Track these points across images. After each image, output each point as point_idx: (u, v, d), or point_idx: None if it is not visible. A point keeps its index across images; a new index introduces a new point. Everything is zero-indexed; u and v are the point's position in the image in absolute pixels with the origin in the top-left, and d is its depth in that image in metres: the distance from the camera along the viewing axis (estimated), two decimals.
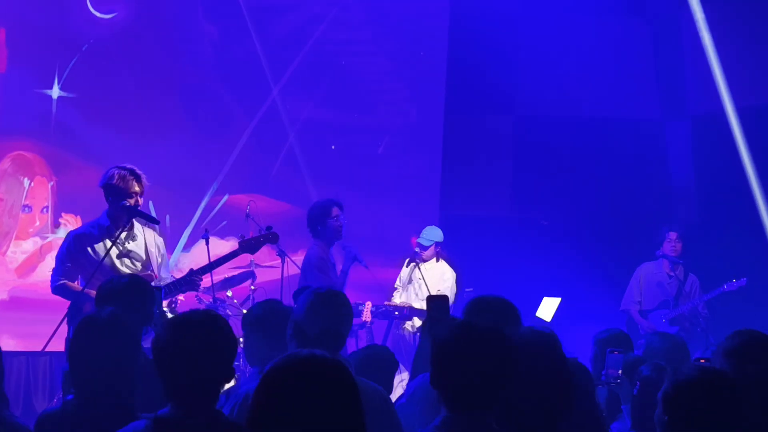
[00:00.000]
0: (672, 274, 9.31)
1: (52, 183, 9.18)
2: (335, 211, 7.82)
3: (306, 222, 7.96)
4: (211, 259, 6.67)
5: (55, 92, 9.20)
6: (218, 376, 3.08)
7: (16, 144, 9.11)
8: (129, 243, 6.34)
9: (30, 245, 9.07)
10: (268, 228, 6.87)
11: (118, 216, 6.30)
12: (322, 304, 3.90)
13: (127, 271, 6.20)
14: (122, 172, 6.28)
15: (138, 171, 6.34)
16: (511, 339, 3.10)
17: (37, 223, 9.13)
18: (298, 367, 2.34)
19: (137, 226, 6.43)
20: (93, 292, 5.76)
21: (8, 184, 9.05)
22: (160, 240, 6.61)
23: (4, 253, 8.99)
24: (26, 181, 9.12)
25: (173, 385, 3.03)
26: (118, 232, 6.23)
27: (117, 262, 6.25)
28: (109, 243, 6.24)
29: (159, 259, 6.50)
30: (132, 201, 6.26)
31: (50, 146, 9.23)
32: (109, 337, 3.71)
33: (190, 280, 6.38)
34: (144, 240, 6.42)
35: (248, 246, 6.74)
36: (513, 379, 3.00)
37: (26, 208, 9.11)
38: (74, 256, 6.28)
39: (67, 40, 9.31)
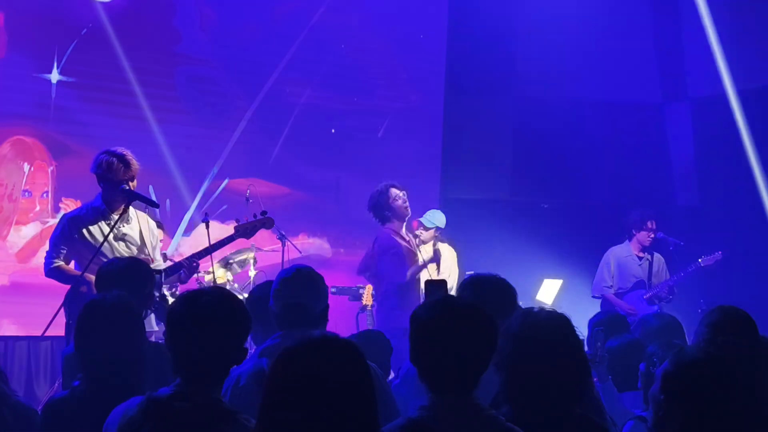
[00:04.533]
0: (642, 255, 9.43)
1: (51, 168, 9.17)
2: (393, 192, 8.16)
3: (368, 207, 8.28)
4: (209, 244, 6.67)
5: (54, 77, 9.17)
6: (229, 353, 3.07)
7: (16, 129, 9.09)
8: (124, 226, 6.28)
9: (30, 230, 9.07)
10: (263, 212, 6.81)
11: (113, 199, 6.26)
12: (283, 283, 3.94)
13: (124, 254, 6.14)
14: (110, 159, 6.19)
15: (127, 156, 6.23)
16: (490, 315, 3.04)
17: (38, 208, 9.12)
18: (309, 349, 2.37)
19: (131, 210, 6.35)
20: (91, 276, 5.79)
21: (8, 169, 9.04)
22: (153, 224, 6.56)
23: (5, 238, 8.99)
24: (26, 166, 9.10)
25: (182, 360, 3.02)
26: (117, 218, 6.21)
27: (113, 246, 6.19)
28: (104, 225, 6.21)
29: (153, 242, 6.46)
30: (128, 177, 6.23)
31: (50, 131, 9.21)
32: (116, 321, 3.68)
33: (188, 265, 6.36)
34: (138, 223, 6.37)
35: (244, 230, 6.68)
36: (492, 357, 2.97)
37: (26, 193, 9.10)
38: (69, 239, 6.23)
39: (66, 24, 9.28)
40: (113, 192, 6.23)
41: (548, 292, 9.56)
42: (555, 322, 3.20)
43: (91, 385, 3.58)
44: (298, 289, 3.93)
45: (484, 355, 2.95)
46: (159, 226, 7.23)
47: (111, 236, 6.17)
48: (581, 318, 4.93)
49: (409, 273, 7.96)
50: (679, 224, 10.45)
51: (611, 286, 9.42)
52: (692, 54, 11.31)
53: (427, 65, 11.39)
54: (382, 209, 8.15)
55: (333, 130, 10.82)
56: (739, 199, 10.64)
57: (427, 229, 8.98)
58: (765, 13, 10.53)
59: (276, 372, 2.36)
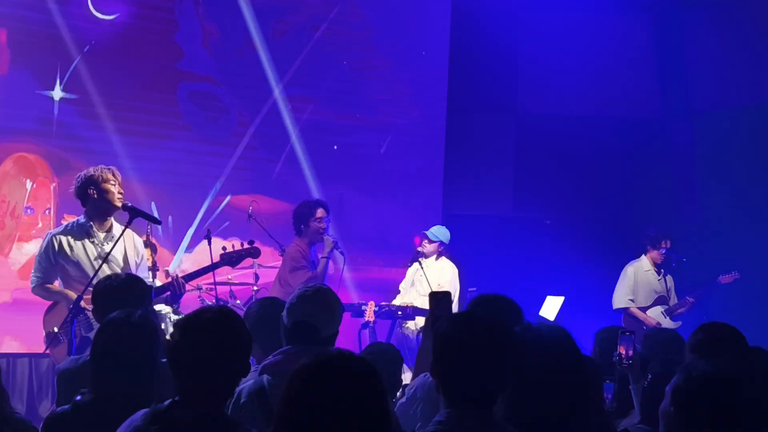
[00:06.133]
0: (659, 271, 9.52)
1: (54, 184, 9.18)
2: (320, 212, 8.05)
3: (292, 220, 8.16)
4: (200, 266, 6.78)
5: (57, 94, 9.19)
6: (231, 374, 3.07)
7: (18, 145, 9.10)
8: (107, 244, 6.26)
9: (32, 247, 9.05)
10: (251, 242, 6.95)
11: (103, 210, 6.28)
12: (300, 299, 3.94)
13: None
14: (102, 169, 6.29)
15: (113, 168, 6.36)
16: (517, 333, 3.05)
17: (40, 225, 9.12)
18: (326, 366, 2.37)
19: (116, 228, 6.36)
20: (73, 294, 5.81)
21: (10, 186, 9.05)
22: (139, 241, 6.55)
23: (7, 255, 8.99)
24: (28, 183, 9.11)
25: (184, 383, 3.02)
26: (102, 235, 6.24)
27: (94, 266, 6.15)
28: (88, 243, 6.23)
29: (137, 260, 6.44)
30: (112, 187, 6.23)
31: (52, 148, 9.22)
32: (141, 340, 3.67)
33: (173, 288, 6.35)
34: (123, 243, 6.33)
35: (229, 259, 6.83)
36: (517, 374, 2.95)
37: (28, 210, 9.10)
38: (51, 256, 6.25)
39: (69, 41, 9.30)
40: (103, 203, 6.24)
41: (551, 309, 9.54)
42: (556, 337, 3.19)
43: (97, 400, 3.56)
44: (312, 308, 3.92)
45: (508, 372, 2.94)
46: (147, 245, 7.24)
47: (93, 256, 6.18)
48: (584, 333, 4.92)
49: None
50: (682, 240, 10.43)
51: (633, 299, 9.44)
52: (694, 69, 11.32)
53: (430, 81, 11.41)
54: (299, 222, 8.15)
55: (335, 146, 10.83)
56: (742, 214, 10.63)
57: (431, 242, 8.99)
58: (767, 28, 10.54)
59: (292, 388, 2.36)
